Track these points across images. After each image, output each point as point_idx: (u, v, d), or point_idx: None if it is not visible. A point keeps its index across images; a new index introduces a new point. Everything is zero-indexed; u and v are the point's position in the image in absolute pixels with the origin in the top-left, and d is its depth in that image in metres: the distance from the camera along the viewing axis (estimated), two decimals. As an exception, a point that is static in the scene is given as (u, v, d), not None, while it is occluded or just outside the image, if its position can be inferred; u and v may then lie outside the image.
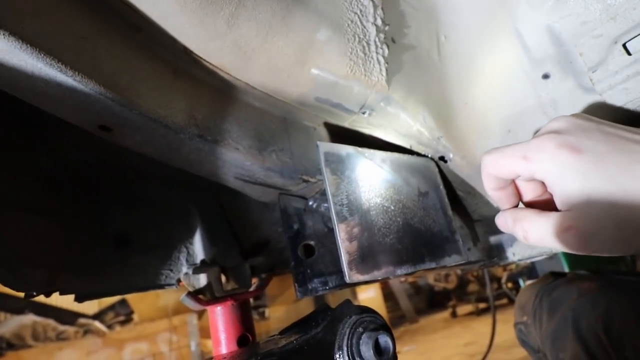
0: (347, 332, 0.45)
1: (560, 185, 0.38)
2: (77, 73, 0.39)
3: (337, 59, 0.53)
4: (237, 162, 0.53)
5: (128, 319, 5.53)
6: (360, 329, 0.45)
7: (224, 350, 0.65)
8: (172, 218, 0.69)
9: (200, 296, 0.66)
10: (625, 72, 0.49)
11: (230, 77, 0.52)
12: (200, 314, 5.03)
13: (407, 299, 7.56)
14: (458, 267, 0.75)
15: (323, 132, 0.64)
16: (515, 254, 0.69)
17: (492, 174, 0.44)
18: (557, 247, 0.39)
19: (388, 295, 7.47)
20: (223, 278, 0.70)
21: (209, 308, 0.66)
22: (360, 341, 0.44)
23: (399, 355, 0.46)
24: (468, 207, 0.72)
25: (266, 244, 0.75)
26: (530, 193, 0.46)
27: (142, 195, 0.69)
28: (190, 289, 0.66)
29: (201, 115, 0.50)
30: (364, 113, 0.59)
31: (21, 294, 0.52)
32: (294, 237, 0.59)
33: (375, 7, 0.54)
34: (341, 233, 0.48)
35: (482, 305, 6.45)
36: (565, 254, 2.70)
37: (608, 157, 0.36)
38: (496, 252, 0.72)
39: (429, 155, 0.65)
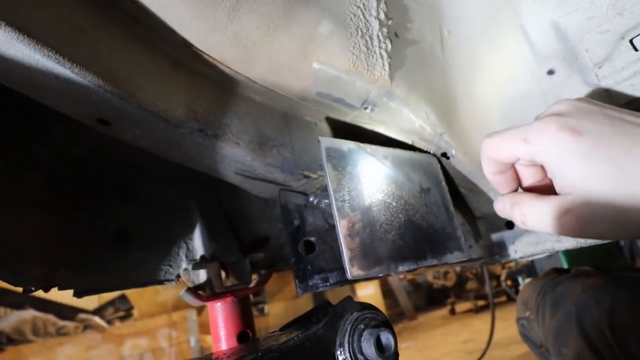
0: (349, 329, 0.44)
1: (561, 169, 0.37)
2: (75, 65, 0.38)
3: (339, 53, 0.52)
4: (238, 157, 0.53)
5: (128, 315, 5.54)
6: (362, 326, 0.45)
7: (224, 346, 0.64)
8: (172, 213, 0.69)
9: (200, 292, 0.65)
10: (632, 68, 0.49)
11: (230, 71, 0.52)
12: (200, 310, 5.04)
13: (406, 296, 7.57)
14: (459, 265, 0.75)
15: (324, 127, 0.63)
16: (517, 251, 0.69)
17: (492, 157, 0.44)
18: (555, 231, 0.39)
19: (387, 292, 7.49)
20: (223, 274, 0.70)
21: (208, 304, 0.66)
22: (362, 338, 0.44)
23: (397, 352, 0.45)
24: (470, 204, 0.71)
25: (266, 240, 0.74)
26: (530, 178, 0.45)
27: (142, 191, 0.68)
28: (190, 285, 0.66)
29: (201, 109, 0.49)
30: (366, 108, 0.59)
31: (20, 289, 0.52)
32: (294, 233, 0.58)
33: (378, 0, 0.53)
34: (343, 229, 0.47)
35: (480, 303, 6.46)
36: (565, 252, 2.70)
37: (610, 140, 0.35)
38: (498, 250, 0.71)
39: (431, 152, 0.65)
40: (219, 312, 0.65)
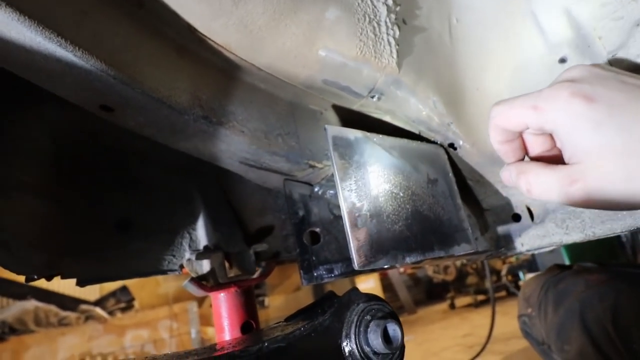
0: (355, 320, 0.44)
1: (571, 136, 0.36)
2: (77, 48, 0.37)
3: (346, 40, 0.51)
4: (242, 145, 0.52)
5: (129, 306, 5.57)
6: (368, 317, 0.44)
7: (227, 336, 0.64)
8: (175, 203, 0.68)
9: (204, 282, 0.65)
10: (647, 56, 0.47)
11: (235, 57, 0.51)
12: (201, 302, 5.06)
13: (406, 290, 7.60)
14: (465, 257, 0.74)
15: (330, 116, 0.62)
16: (524, 244, 0.68)
17: (500, 125, 0.43)
18: (562, 200, 0.38)
19: (387, 286, 7.52)
20: (226, 264, 0.69)
21: (212, 294, 0.65)
22: (369, 329, 0.43)
23: (397, 346, 0.45)
24: (477, 196, 0.70)
25: (270, 230, 0.74)
26: (538, 147, 0.44)
27: (144, 180, 0.67)
28: (193, 275, 0.65)
29: (206, 96, 0.48)
30: (372, 97, 0.57)
31: (22, 279, 0.51)
32: (299, 224, 0.57)
33: (386, -15, 0.52)
34: (349, 219, 0.47)
35: (480, 298, 6.49)
36: (567, 248, 2.70)
37: (624, 107, 0.34)
38: (504, 242, 0.71)
39: (438, 142, 0.64)
40: (223, 303, 0.65)
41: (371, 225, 0.48)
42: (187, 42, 0.48)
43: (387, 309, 0.46)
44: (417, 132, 0.63)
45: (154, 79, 0.43)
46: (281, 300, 5.91)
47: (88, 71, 0.39)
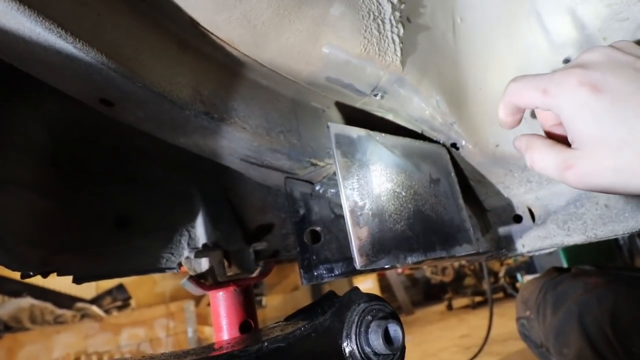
0: (356, 320, 0.43)
1: (573, 124, 0.38)
2: (77, 40, 0.36)
3: (350, 37, 0.50)
4: (244, 142, 0.51)
5: (125, 305, 5.55)
6: (369, 317, 0.44)
7: (225, 336, 0.63)
8: (174, 200, 0.67)
9: (202, 281, 0.64)
10: (653, 57, 0.47)
11: (238, 53, 0.50)
12: (198, 301, 5.05)
13: (404, 290, 7.60)
14: (466, 258, 0.74)
15: (332, 114, 0.62)
16: (524, 246, 0.68)
17: (512, 102, 0.44)
18: (558, 179, 0.40)
19: (385, 286, 7.51)
20: (225, 263, 0.69)
21: (210, 293, 0.64)
22: (369, 330, 0.43)
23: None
24: (478, 196, 0.70)
25: (270, 229, 0.73)
26: (549, 121, 0.46)
27: (143, 177, 0.67)
28: (192, 273, 0.64)
29: (207, 92, 0.48)
30: (375, 95, 0.57)
31: (18, 275, 0.51)
32: (299, 223, 0.57)
33: (391, -18, 0.51)
34: (351, 218, 0.46)
35: (477, 299, 6.49)
36: (565, 250, 2.70)
37: (629, 99, 0.35)
38: (505, 243, 0.70)
39: (441, 142, 0.63)
40: (221, 302, 0.64)
41: (373, 224, 0.48)
42: (189, 36, 0.48)
43: (388, 309, 0.46)
44: (419, 131, 0.63)
45: (155, 73, 0.43)
46: (279, 300, 5.89)
47: (88, 64, 0.38)
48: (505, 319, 3.58)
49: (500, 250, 0.71)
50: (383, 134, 0.56)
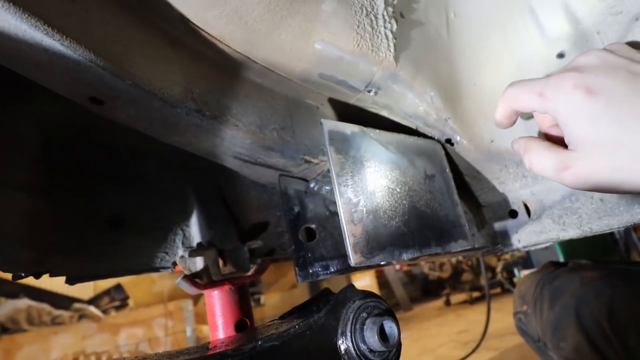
0: (351, 318, 0.43)
1: (569, 127, 0.39)
2: (64, 37, 0.36)
3: (343, 33, 0.50)
4: (237, 140, 0.51)
5: (123, 304, 5.53)
6: (364, 314, 0.43)
7: (221, 335, 0.63)
8: (168, 199, 0.67)
9: (197, 280, 0.64)
10: (647, 50, 0.47)
11: (229, 50, 0.49)
12: (196, 300, 5.04)
13: (402, 287, 7.62)
14: (462, 253, 0.74)
15: (326, 111, 0.61)
16: (520, 241, 0.68)
17: (510, 106, 0.45)
18: (556, 180, 0.41)
19: (383, 283, 7.52)
20: (220, 262, 0.68)
21: (205, 292, 0.64)
22: (365, 327, 0.43)
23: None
24: (473, 192, 0.70)
25: (265, 227, 0.72)
26: (546, 123, 0.47)
27: (137, 176, 0.66)
28: (187, 272, 0.64)
29: (199, 89, 0.47)
30: (369, 91, 0.57)
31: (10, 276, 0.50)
32: (294, 220, 0.56)
33: (384, -23, 0.51)
34: (345, 215, 0.46)
35: (475, 294, 6.52)
36: (561, 245, 2.71)
37: (624, 101, 0.36)
38: (500, 239, 0.70)
39: (436, 138, 0.63)
40: (217, 301, 0.64)
41: (367, 221, 0.47)
42: (180, 33, 0.47)
43: (384, 306, 0.46)
44: (414, 127, 0.63)
45: (145, 70, 0.42)
46: (277, 298, 5.89)
47: (76, 61, 0.38)
48: (503, 313, 3.60)
49: (496, 245, 0.71)
50: (377, 130, 0.56)
